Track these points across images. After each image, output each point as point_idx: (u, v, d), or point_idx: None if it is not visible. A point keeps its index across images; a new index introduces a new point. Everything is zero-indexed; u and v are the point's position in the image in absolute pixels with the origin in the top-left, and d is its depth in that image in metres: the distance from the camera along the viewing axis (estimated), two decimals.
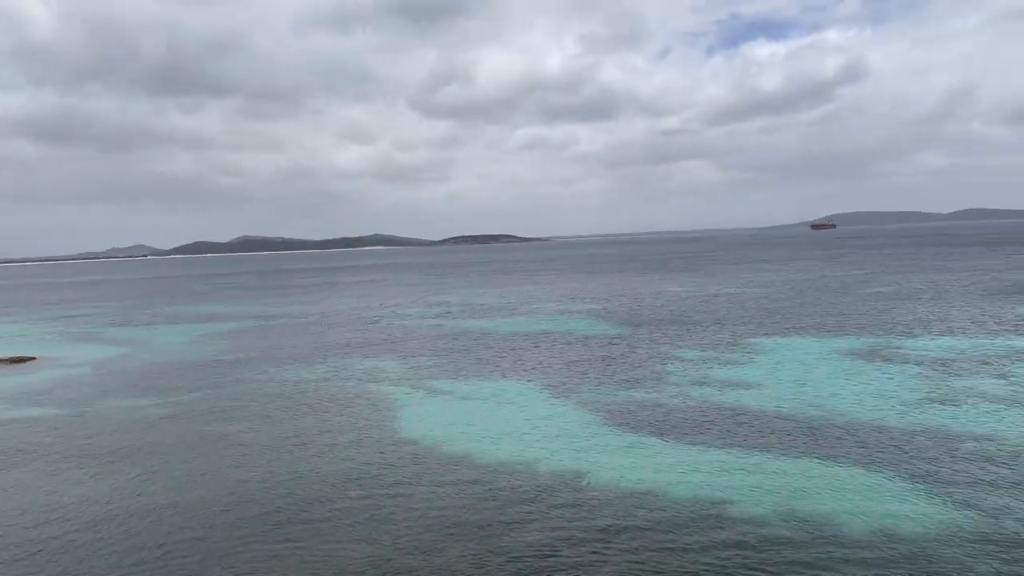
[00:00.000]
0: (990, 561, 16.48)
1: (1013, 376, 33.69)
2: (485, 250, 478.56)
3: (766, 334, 49.77)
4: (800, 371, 37.48)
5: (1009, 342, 42.11)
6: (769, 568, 16.76)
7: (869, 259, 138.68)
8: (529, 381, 38.40)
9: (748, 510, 20.05)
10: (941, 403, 29.80)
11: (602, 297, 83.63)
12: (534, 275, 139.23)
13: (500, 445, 27.34)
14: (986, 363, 36.77)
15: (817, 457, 24.09)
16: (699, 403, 31.99)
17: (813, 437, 26.24)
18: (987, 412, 28.18)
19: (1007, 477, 21.41)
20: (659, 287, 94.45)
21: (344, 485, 23.60)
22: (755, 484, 21.95)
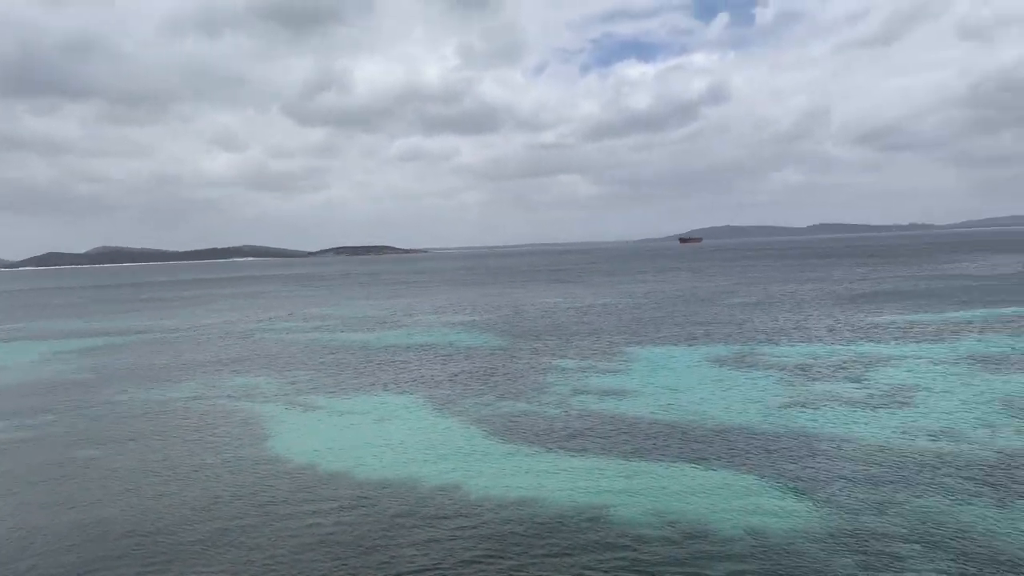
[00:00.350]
0: (849, 555, 17.55)
1: (865, 379, 36.26)
2: (363, 261, 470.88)
3: (640, 343, 51.41)
4: (672, 378, 38.90)
5: (861, 347, 45.35)
6: (644, 569, 17.20)
7: (734, 271, 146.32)
8: (410, 394, 37.93)
9: (625, 514, 20.53)
10: (801, 406, 31.65)
11: (483, 309, 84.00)
12: (414, 287, 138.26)
13: (381, 460, 26.81)
14: (841, 367, 39.42)
15: (689, 460, 25.00)
16: (578, 411, 32.57)
17: (685, 441, 27.23)
18: (843, 414, 30.16)
19: (862, 474, 22.93)
20: (539, 298, 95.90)
21: (215, 508, 22.42)
22: (631, 488, 22.51)
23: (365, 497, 22.90)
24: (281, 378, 44.06)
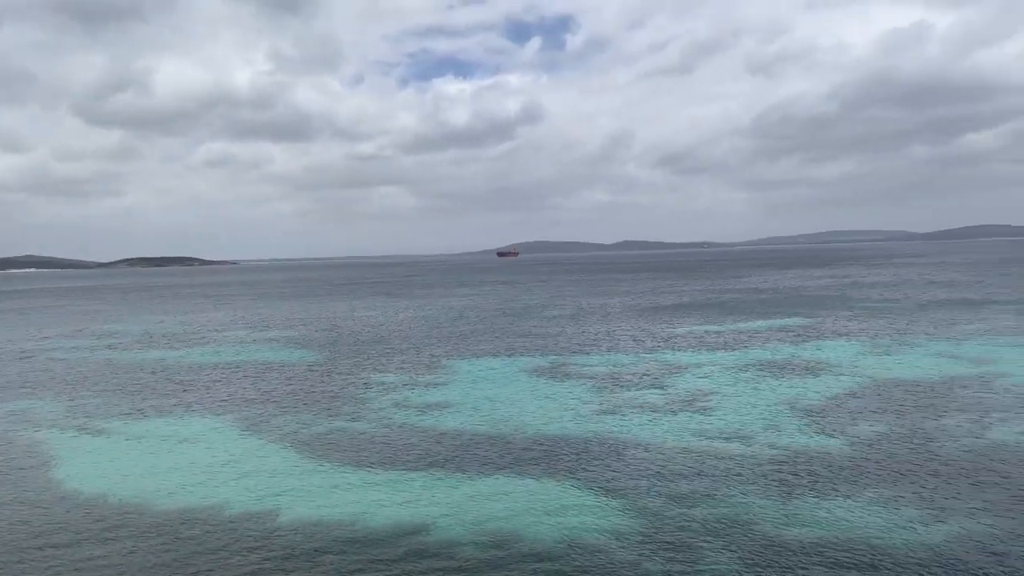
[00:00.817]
0: (654, 552, 18.58)
1: (667, 386, 38.76)
2: (165, 273, 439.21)
3: (461, 356, 51.84)
4: (492, 389, 39.53)
5: (663, 356, 48.47)
6: None
7: (549, 285, 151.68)
8: (218, 416, 35.75)
9: (445, 526, 20.50)
10: (611, 412, 33.26)
11: (298, 323, 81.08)
12: (222, 301, 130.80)
13: (184, 487, 24.97)
14: (646, 375, 41.90)
15: (508, 470, 25.46)
16: (399, 426, 32.21)
17: (504, 451, 27.71)
18: (648, 418, 32.02)
19: (665, 475, 24.41)
20: (358, 312, 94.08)
21: None
22: (452, 500, 22.55)
23: (164, 526, 21.22)
24: (71, 402, 39.97)
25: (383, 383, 42.53)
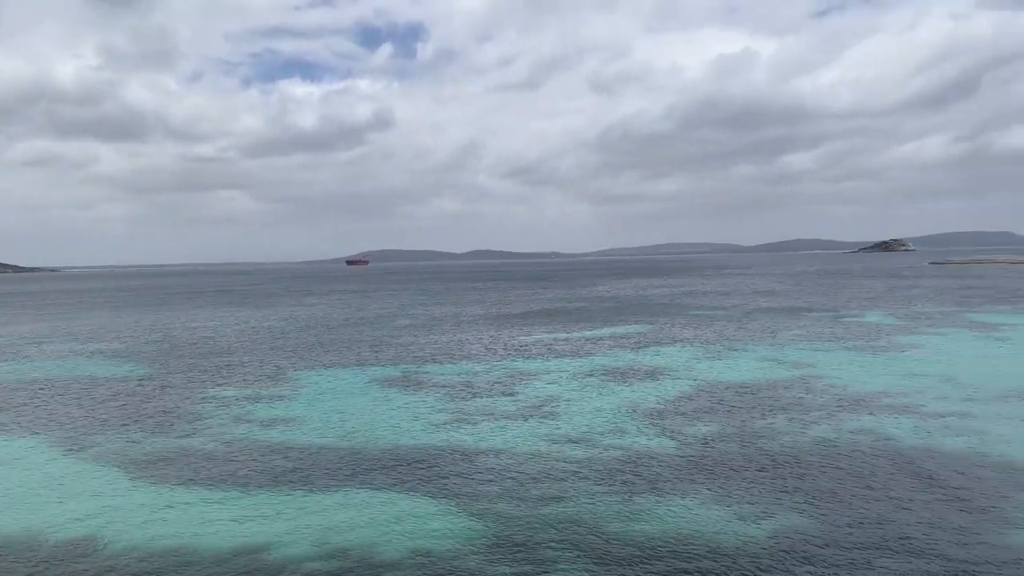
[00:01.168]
0: (506, 561, 18.74)
1: (518, 393, 39.36)
2: None
3: (309, 367, 50.24)
4: (341, 402, 38.56)
5: (514, 364, 49.22)
6: None
7: (400, 294, 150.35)
8: (35, 435, 32.61)
9: (291, 546, 19.72)
10: (463, 422, 33.33)
11: (128, 335, 75.59)
12: (40, 311, 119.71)
13: None
14: (497, 383, 42.36)
15: (358, 484, 24.88)
16: (240, 442, 30.70)
17: (353, 464, 27.07)
18: (499, 426, 32.35)
19: (516, 482, 24.72)
20: (196, 322, 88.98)
21: None
22: (298, 519, 21.73)
23: None
24: None
25: (223, 397, 40.43)
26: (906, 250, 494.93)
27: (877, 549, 18.61)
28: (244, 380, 45.56)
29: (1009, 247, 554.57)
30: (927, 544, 18.86)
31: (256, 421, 34.55)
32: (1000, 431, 29.27)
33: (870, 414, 32.77)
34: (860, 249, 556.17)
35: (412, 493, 23.89)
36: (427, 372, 46.89)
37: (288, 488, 24.69)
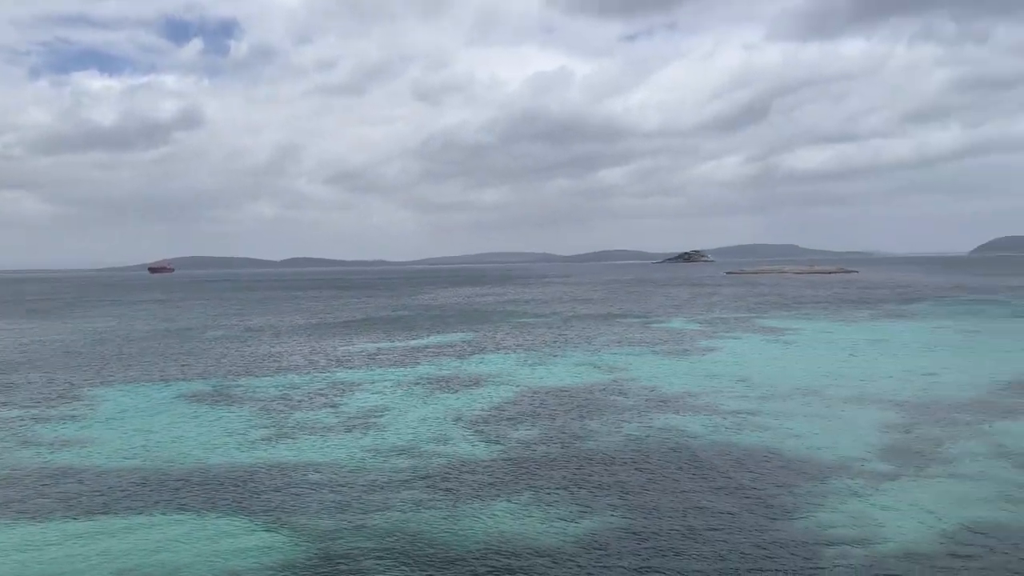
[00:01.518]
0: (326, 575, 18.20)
1: (340, 405, 38.43)
2: None
3: (107, 383, 46.21)
4: (145, 419, 35.82)
5: (336, 375, 48.02)
6: None
7: (211, 303, 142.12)
8: None
9: (87, 574, 18.04)
10: (281, 436, 32.04)
11: None
12: None
13: None
14: (319, 394, 41.13)
15: (163, 507, 23.19)
16: (26, 468, 27.64)
17: (159, 487, 25.19)
18: (320, 440, 31.41)
19: (339, 497, 24.09)
20: None
21: None
22: (94, 547, 19.89)
23: None
24: None
25: (4, 419, 36.26)
26: (705, 261, 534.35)
27: (683, 539, 19.96)
28: (30, 399, 41.11)
29: (793, 258, 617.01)
30: (726, 534, 20.50)
31: (45, 444, 31.28)
32: (788, 426, 32.38)
33: (675, 413, 35.12)
34: (665, 259, 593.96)
35: (225, 513, 22.61)
36: (242, 386, 44.65)
37: (84, 514, 22.54)
